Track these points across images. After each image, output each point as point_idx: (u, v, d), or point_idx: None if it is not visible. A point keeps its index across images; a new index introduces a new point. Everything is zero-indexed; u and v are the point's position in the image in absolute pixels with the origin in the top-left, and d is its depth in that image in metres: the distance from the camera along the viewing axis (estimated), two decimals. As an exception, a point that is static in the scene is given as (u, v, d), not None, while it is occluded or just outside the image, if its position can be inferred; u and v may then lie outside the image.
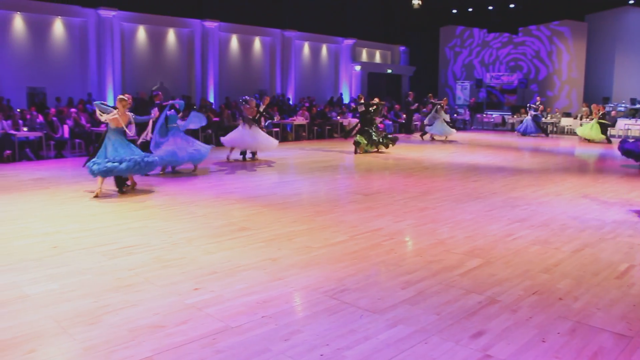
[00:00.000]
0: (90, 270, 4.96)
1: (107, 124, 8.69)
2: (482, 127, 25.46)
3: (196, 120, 11.40)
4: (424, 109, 20.30)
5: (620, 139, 14.99)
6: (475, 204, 8.23)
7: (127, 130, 8.69)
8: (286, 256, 5.47)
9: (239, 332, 3.73)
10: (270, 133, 17.21)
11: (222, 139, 13.08)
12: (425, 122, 19.50)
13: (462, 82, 27.77)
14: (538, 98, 22.65)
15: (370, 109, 14.75)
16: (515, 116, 24.11)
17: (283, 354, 3.43)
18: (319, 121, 19.97)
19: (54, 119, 13.83)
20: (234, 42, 21.87)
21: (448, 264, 5.30)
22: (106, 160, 8.31)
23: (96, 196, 8.34)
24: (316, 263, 5.26)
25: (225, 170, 11.70)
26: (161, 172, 10.81)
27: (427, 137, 19.27)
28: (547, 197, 8.87)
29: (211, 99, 20.13)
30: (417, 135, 20.43)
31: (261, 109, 12.91)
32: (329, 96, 24.88)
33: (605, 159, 14.76)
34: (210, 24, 20.34)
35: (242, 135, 12.65)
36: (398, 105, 24.08)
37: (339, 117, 20.78)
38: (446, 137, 18.89)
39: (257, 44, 22.66)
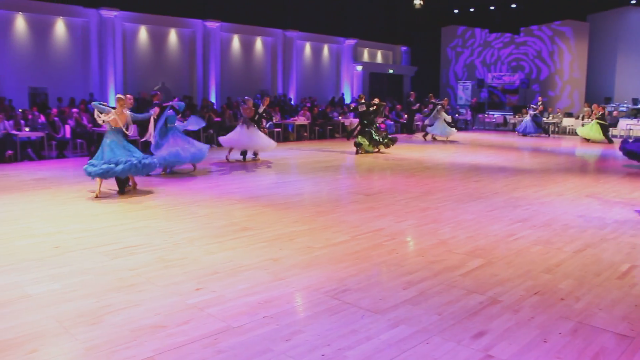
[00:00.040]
0: (92, 270, 4.97)
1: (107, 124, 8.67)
2: (484, 127, 25.44)
3: (195, 123, 11.80)
4: (426, 109, 20.30)
5: (621, 139, 14.96)
6: (476, 204, 8.22)
7: (125, 131, 8.64)
8: (288, 256, 5.47)
9: (240, 332, 3.73)
10: (271, 133, 17.24)
11: (220, 138, 13.09)
12: (426, 122, 19.50)
13: (464, 82, 27.75)
14: (540, 98, 22.64)
15: (370, 109, 14.74)
16: (517, 116, 24.10)
17: (284, 354, 3.43)
18: (320, 121, 19.97)
19: (56, 119, 13.86)
20: (236, 42, 21.88)
21: (450, 264, 5.30)
22: (102, 162, 8.28)
23: (96, 196, 8.34)
24: (318, 263, 5.26)
25: (226, 170, 11.71)
26: (162, 173, 10.82)
27: (429, 137, 19.25)
28: (548, 197, 8.86)
29: (213, 99, 20.14)
30: (418, 136, 20.42)
31: (260, 110, 12.87)
32: (330, 96, 24.88)
33: (607, 159, 14.74)
34: (212, 24, 20.34)
35: (239, 135, 12.64)
36: (400, 105, 24.07)
37: (340, 118, 20.78)
38: (447, 138, 18.88)
39: (258, 44, 22.67)
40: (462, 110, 25.62)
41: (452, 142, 18.59)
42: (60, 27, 17.24)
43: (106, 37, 17.79)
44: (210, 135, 15.99)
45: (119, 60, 18.32)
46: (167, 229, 6.52)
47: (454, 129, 19.08)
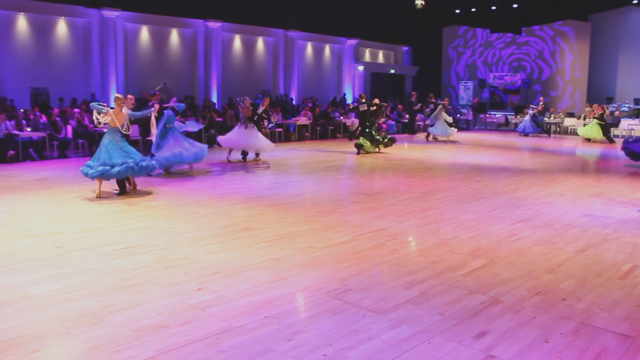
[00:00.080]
0: (94, 271, 4.98)
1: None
2: (485, 128, 25.42)
3: (193, 126, 12.18)
4: (427, 109, 20.30)
5: (623, 140, 14.94)
6: (478, 204, 8.22)
7: (122, 130, 8.59)
8: (289, 256, 5.47)
9: (242, 332, 3.74)
10: (273, 133, 17.24)
11: (219, 138, 13.06)
12: (428, 122, 19.50)
13: (465, 82, 27.74)
14: (541, 98, 22.63)
15: (371, 108, 14.73)
16: (518, 116, 24.09)
17: (286, 354, 3.43)
18: (322, 121, 19.97)
19: (57, 119, 13.86)
20: (237, 43, 21.89)
21: (451, 264, 5.29)
22: (98, 163, 8.26)
23: (97, 197, 8.35)
24: (319, 263, 5.26)
25: (227, 170, 11.72)
26: (164, 173, 10.82)
27: (431, 137, 19.24)
28: (550, 197, 8.85)
29: (214, 99, 20.15)
30: (420, 136, 20.41)
31: (259, 111, 12.82)
32: (332, 96, 24.88)
33: (608, 159, 14.72)
34: (214, 24, 20.35)
35: (237, 135, 12.61)
36: (401, 105, 24.05)
37: (342, 118, 20.78)
38: (448, 137, 18.87)
39: (260, 44, 22.67)
40: (464, 111, 25.60)
41: (452, 142, 18.58)
42: (61, 27, 17.26)
43: (108, 37, 17.80)
44: (212, 135, 15.99)
45: (121, 60, 18.33)
46: (169, 229, 6.52)
47: (454, 128, 19.07)
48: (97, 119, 8.49)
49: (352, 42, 25.79)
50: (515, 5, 24.55)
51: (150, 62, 19.38)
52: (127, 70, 18.67)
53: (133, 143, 11.74)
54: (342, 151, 15.44)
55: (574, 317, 4.05)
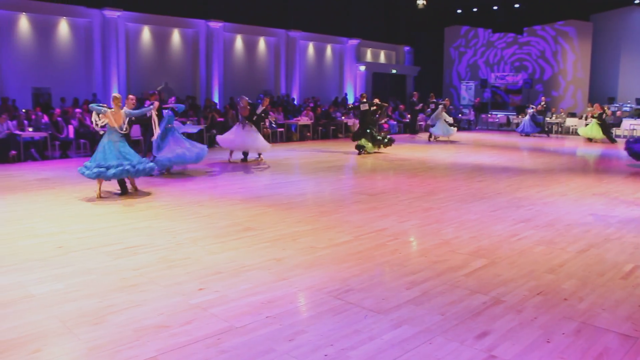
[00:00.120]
0: (95, 270, 4.98)
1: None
2: (487, 128, 25.41)
3: (191, 128, 12.45)
4: (428, 109, 20.29)
5: (625, 140, 14.91)
6: (480, 204, 8.21)
7: (119, 130, 8.56)
8: (291, 256, 5.47)
9: (243, 332, 3.73)
10: (274, 133, 17.25)
11: (218, 138, 13.04)
12: (429, 122, 19.50)
13: (467, 82, 27.72)
14: (543, 98, 22.62)
15: (371, 108, 14.72)
16: (520, 116, 24.08)
17: (287, 354, 3.43)
18: (323, 121, 19.97)
19: (59, 119, 13.88)
20: (239, 43, 21.89)
21: (453, 264, 5.29)
22: (94, 164, 8.24)
23: (98, 197, 8.35)
24: (321, 263, 5.26)
25: (227, 170, 11.72)
26: (164, 173, 10.83)
27: (433, 138, 19.21)
28: (552, 197, 8.84)
29: (216, 99, 20.15)
30: (422, 136, 20.41)
31: (259, 111, 12.78)
32: (333, 96, 24.88)
33: (610, 159, 14.70)
34: (215, 24, 20.36)
35: (235, 135, 12.57)
36: (402, 105, 24.03)
37: (343, 118, 20.77)
38: (449, 137, 18.85)
39: (261, 44, 22.68)
40: (465, 111, 25.60)
41: (453, 142, 18.57)
42: (63, 28, 17.28)
43: (109, 37, 17.81)
44: (213, 135, 15.99)
45: (122, 60, 18.35)
46: (170, 229, 6.52)
47: (454, 128, 19.06)
48: (95, 121, 8.48)
49: (354, 42, 25.79)
50: (516, 5, 24.54)
51: (151, 62, 19.40)
52: (129, 70, 18.68)
53: (134, 143, 11.78)
54: (343, 151, 15.43)
55: (575, 318, 4.04)
